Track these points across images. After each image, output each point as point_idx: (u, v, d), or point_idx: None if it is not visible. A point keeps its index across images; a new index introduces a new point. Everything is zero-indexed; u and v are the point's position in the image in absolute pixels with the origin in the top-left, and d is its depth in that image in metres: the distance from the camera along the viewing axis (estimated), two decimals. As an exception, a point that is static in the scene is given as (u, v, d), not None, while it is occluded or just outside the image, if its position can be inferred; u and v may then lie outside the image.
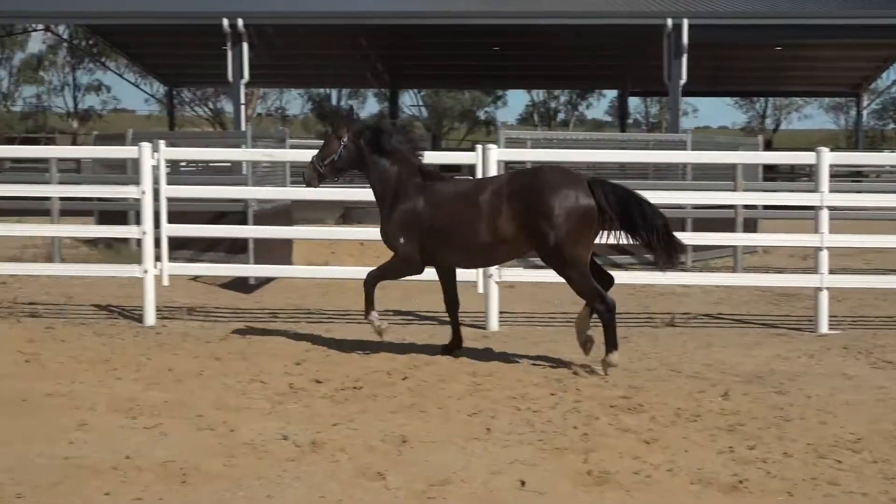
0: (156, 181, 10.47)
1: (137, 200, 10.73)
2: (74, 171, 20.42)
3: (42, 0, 32.97)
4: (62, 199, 14.78)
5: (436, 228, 8.40)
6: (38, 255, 15.10)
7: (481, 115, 69.04)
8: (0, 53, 66.43)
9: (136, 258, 11.12)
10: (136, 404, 6.78)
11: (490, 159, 10.08)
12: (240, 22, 23.95)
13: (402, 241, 8.57)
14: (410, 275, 8.97)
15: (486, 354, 8.66)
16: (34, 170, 23.67)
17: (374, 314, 8.76)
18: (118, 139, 17.01)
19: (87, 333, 9.50)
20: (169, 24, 27.54)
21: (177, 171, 15.90)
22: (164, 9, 26.74)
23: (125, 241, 14.84)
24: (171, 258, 10.73)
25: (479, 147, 10.32)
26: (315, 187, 9.25)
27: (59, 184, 14.66)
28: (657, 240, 8.09)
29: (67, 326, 9.92)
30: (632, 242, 8.29)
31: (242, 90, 25.13)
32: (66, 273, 12.40)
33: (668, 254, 8.18)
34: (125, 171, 15.53)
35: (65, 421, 6.39)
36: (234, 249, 13.75)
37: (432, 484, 5.30)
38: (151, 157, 10.35)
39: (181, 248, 13.40)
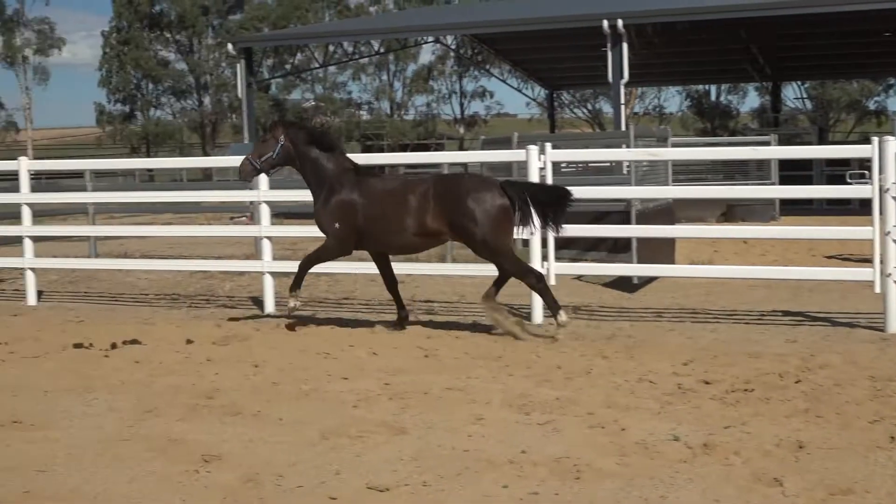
0: (542, 183, 10.69)
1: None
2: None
3: (432, 14, 34.73)
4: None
5: (370, 217, 9.65)
6: (432, 255, 15.86)
7: (871, 105, 65.19)
8: (394, 66, 70.68)
9: (523, 257, 11.42)
10: (528, 400, 6.94)
11: (888, 152, 9.42)
12: (619, 22, 24.03)
13: (336, 226, 9.79)
14: (341, 255, 10.23)
15: (885, 358, 8.15)
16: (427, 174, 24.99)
17: (297, 295, 9.98)
18: (504, 143, 17.56)
19: (479, 331, 9.87)
20: (550, 29, 28.10)
21: (558, 173, 16.18)
22: (545, 14, 27.34)
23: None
24: (555, 257, 10.91)
25: (874, 139, 9.69)
26: (248, 182, 10.83)
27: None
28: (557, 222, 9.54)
29: (460, 324, 10.35)
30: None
31: (622, 90, 25.17)
32: (456, 272, 12.91)
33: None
34: (511, 174, 15.99)
35: (462, 414, 6.65)
36: (616, 249, 13.80)
37: (833, 493, 5.03)
38: (538, 159, 10.58)
39: (564, 247, 13.61)
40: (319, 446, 6.00)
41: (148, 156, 67.22)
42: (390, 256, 10.34)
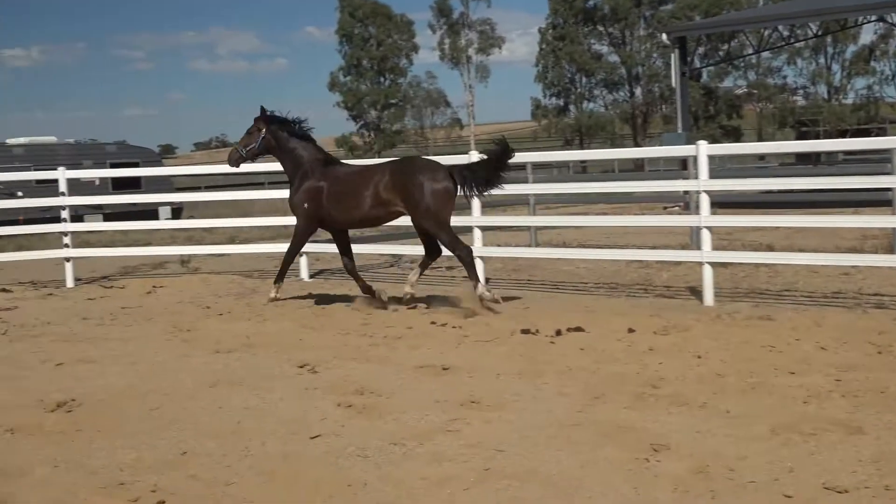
0: None
1: None
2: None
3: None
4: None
5: (334, 197, 11.46)
6: (878, 245, 14.96)
7: None
8: (832, 48, 67.43)
9: None
10: None
11: None
12: None
13: (305, 206, 11.71)
14: (310, 234, 12.36)
15: None
16: (867, 161, 23.58)
17: (279, 288, 12.08)
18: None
19: (938, 326, 9.17)
20: None
21: None
22: None
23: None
24: None
25: None
26: (237, 167, 12.32)
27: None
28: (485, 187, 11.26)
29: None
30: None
31: None
32: (907, 264, 12.06)
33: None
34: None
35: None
36: None
37: None
38: None
39: None
40: (770, 441, 5.82)
41: (581, 148, 68.72)
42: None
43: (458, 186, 11.17)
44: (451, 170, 11.21)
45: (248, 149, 11.96)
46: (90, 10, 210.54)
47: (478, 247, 13.24)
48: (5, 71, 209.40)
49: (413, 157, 11.88)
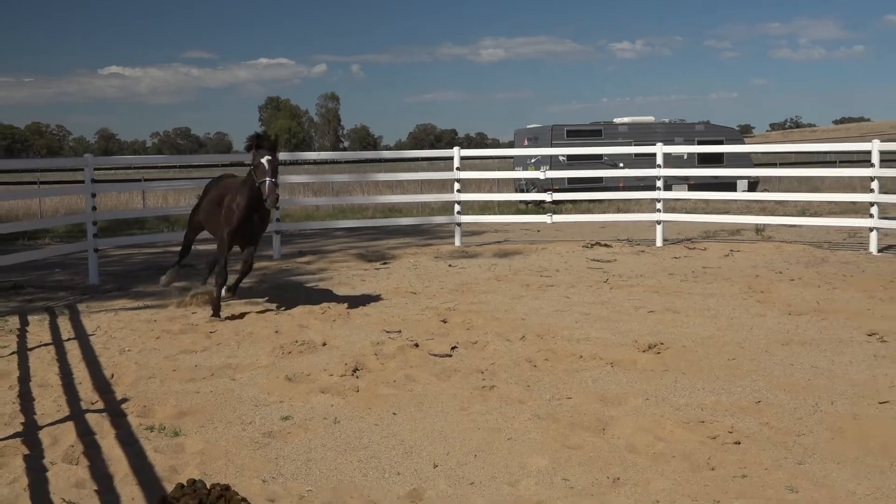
0: None
1: None
2: None
3: None
4: None
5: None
6: None
7: None
8: None
9: None
10: None
11: None
12: None
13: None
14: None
15: None
16: None
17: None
18: None
19: None
20: None
21: None
22: None
23: None
24: None
25: None
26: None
27: None
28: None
29: None
30: None
31: None
32: None
33: None
34: None
35: None
36: None
37: None
38: None
39: None
40: None
41: None
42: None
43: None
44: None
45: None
46: (689, 9, 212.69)
47: None
48: (615, 62, 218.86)
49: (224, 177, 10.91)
